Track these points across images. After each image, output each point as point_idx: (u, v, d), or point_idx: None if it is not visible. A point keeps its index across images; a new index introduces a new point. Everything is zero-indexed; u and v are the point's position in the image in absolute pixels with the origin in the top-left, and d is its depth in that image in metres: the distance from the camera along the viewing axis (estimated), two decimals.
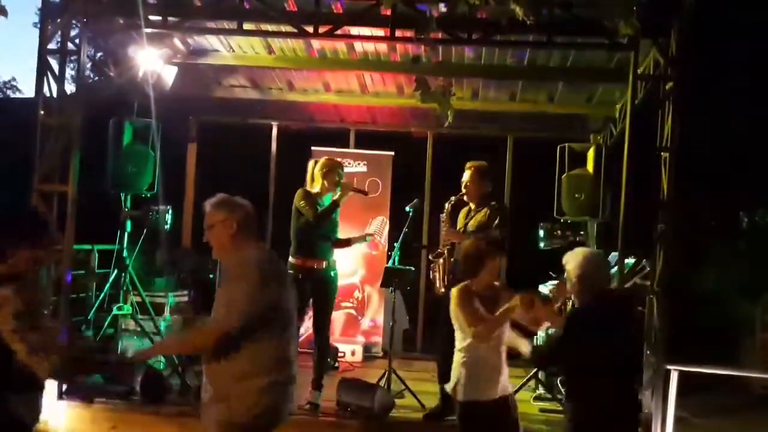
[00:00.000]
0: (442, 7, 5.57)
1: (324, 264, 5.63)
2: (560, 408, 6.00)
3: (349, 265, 8.06)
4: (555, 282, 6.68)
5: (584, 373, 3.60)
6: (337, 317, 8.08)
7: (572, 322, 3.67)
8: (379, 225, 8.36)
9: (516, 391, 6.05)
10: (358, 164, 8.42)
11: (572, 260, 3.68)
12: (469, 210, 5.56)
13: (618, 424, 3.60)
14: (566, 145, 6.67)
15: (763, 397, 6.01)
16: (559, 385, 6.28)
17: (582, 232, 6.64)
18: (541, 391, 6.43)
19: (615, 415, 3.58)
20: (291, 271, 5.59)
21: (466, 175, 5.58)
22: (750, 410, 5.95)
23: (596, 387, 3.57)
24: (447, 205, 5.58)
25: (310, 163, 5.78)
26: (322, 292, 5.63)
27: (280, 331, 3.23)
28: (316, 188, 5.68)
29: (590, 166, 6.45)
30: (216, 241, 3.32)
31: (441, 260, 5.52)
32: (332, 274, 5.70)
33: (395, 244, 6.30)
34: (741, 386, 6.21)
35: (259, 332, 3.15)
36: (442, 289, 5.47)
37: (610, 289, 3.70)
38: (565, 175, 6.48)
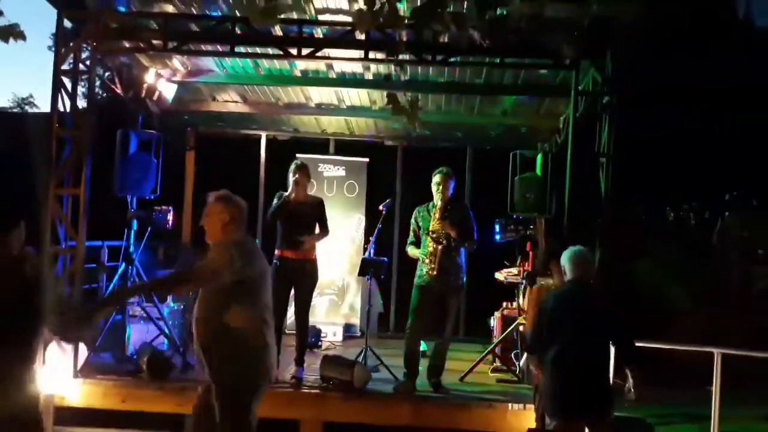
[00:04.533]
0: (410, 33, 5.61)
1: (297, 255, 5.55)
2: (516, 378, 6.07)
3: (329, 257, 8.09)
4: (509, 269, 6.77)
5: (556, 340, 3.75)
6: (320, 302, 8.09)
7: (544, 301, 3.94)
8: (356, 223, 8.38)
9: (475, 365, 6.19)
10: (338, 169, 8.43)
11: (564, 255, 3.95)
12: (444, 208, 5.58)
13: (590, 394, 3.70)
14: (518, 152, 6.73)
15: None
16: (513, 358, 6.36)
17: (532, 227, 6.73)
18: (497, 363, 6.49)
19: (587, 383, 3.68)
20: (275, 261, 5.58)
21: (437, 179, 5.62)
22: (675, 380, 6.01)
23: (567, 353, 3.70)
24: (440, 202, 5.58)
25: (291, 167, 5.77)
26: (298, 280, 5.60)
27: (253, 300, 3.32)
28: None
29: (539, 170, 6.51)
30: (209, 227, 3.42)
31: (436, 246, 5.52)
32: (307, 265, 5.60)
33: (371, 238, 6.32)
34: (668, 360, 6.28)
35: (234, 299, 3.25)
36: (434, 272, 5.49)
37: (589, 278, 3.91)
38: (517, 177, 6.54)
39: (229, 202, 3.41)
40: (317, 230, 5.72)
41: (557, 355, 3.74)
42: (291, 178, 5.62)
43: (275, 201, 5.65)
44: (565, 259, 3.93)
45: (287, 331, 5.97)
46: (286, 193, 5.60)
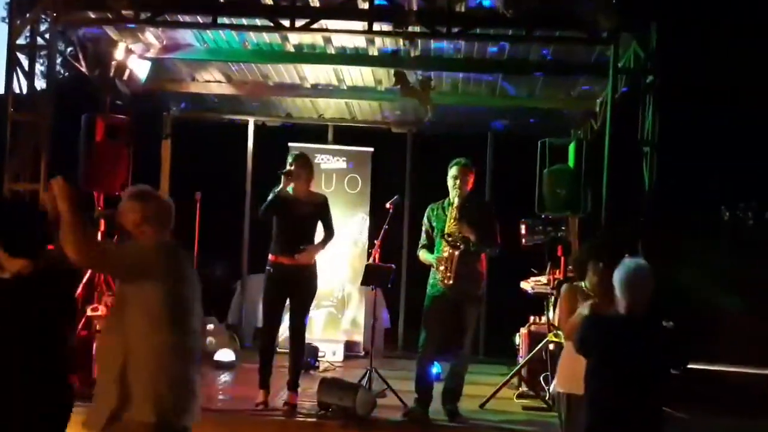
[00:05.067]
0: (421, 1, 5.58)
1: (294, 261, 5.52)
2: (545, 406, 6.02)
3: (328, 263, 8.06)
4: (537, 278, 6.73)
5: (594, 377, 3.58)
6: (317, 316, 8.05)
7: (586, 324, 3.69)
8: (360, 223, 8.36)
9: (498, 390, 6.16)
10: (337, 160, 8.40)
11: (618, 271, 3.60)
12: (462, 206, 5.56)
13: None
14: (547, 140, 6.68)
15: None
16: (542, 381, 6.31)
17: (563, 228, 6.66)
18: (523, 388, 6.45)
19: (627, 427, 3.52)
20: (268, 268, 5.58)
21: (454, 171, 5.61)
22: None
23: (604, 394, 3.54)
24: (457, 199, 5.56)
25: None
26: (294, 290, 5.59)
27: (183, 326, 3.17)
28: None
29: (571, 161, 6.47)
30: (123, 227, 3.30)
31: (452, 252, 5.52)
32: (306, 273, 5.60)
33: (376, 241, 6.29)
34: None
35: (160, 321, 3.11)
36: (450, 281, 5.49)
37: (645, 309, 3.57)
38: (546, 170, 6.49)
39: (144, 199, 3.28)
40: (318, 235, 5.71)
41: (595, 394, 3.62)
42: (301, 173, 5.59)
43: (270, 196, 5.62)
44: (618, 278, 3.55)
45: (278, 350, 5.95)
46: (278, 188, 5.57)
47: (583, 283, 4.14)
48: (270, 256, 5.64)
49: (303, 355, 5.89)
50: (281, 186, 5.56)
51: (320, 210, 5.69)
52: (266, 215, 5.62)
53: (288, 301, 5.68)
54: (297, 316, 5.68)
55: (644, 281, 3.53)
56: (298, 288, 5.59)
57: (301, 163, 5.61)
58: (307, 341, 6.04)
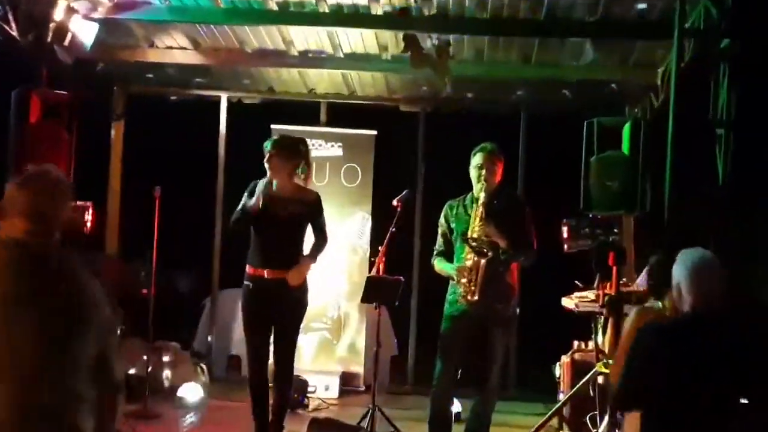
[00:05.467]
0: None
1: (278, 274, 5.55)
2: None
3: (319, 274, 8.05)
4: (583, 293, 6.70)
5: (655, 404, 3.58)
6: (307, 342, 8.07)
7: (640, 337, 3.69)
8: (359, 224, 8.34)
9: None
10: (332, 146, 8.42)
11: (678, 263, 3.69)
12: (490, 204, 5.56)
13: None
14: (595, 120, 6.64)
15: None
16: (589, 423, 6.29)
17: (616, 230, 6.62)
18: (566, 431, 6.47)
19: None
20: (246, 283, 5.62)
21: (479, 159, 5.61)
22: None
23: (671, 424, 3.55)
24: (482, 194, 5.56)
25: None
26: (279, 309, 5.60)
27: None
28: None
29: (626, 146, 6.42)
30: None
31: (477, 260, 5.51)
32: (293, 289, 5.60)
33: (380, 247, 6.27)
34: None
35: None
36: (475, 297, 5.49)
37: (718, 303, 3.62)
38: (594, 158, 6.45)
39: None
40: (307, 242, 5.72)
41: (656, 423, 3.63)
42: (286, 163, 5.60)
43: (245, 196, 5.61)
44: (679, 271, 3.67)
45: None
46: (262, 182, 5.56)
47: (658, 303, 4.10)
48: (248, 268, 5.64)
49: (290, 391, 5.89)
50: (265, 181, 5.56)
51: (311, 210, 5.68)
52: (237, 226, 5.63)
53: (273, 326, 5.68)
54: (282, 341, 5.68)
55: (712, 271, 3.59)
56: (283, 308, 5.59)
57: (283, 149, 5.59)
58: (294, 373, 6.03)
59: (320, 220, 5.73)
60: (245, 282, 5.62)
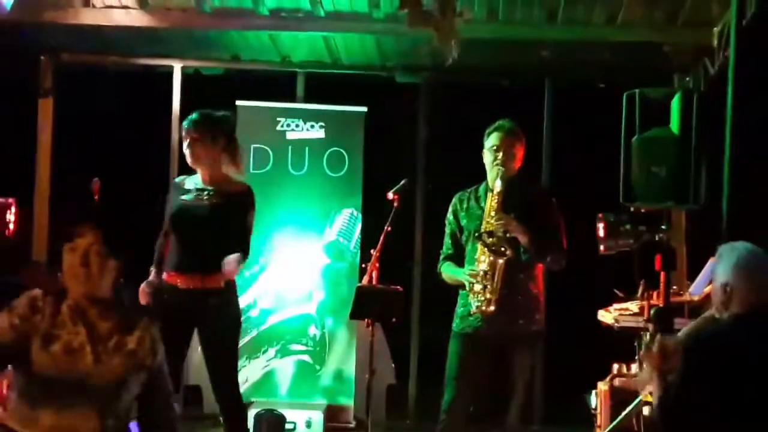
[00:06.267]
0: None
1: (197, 282, 5.60)
2: None
3: (298, 284, 8.03)
4: (624, 305, 6.72)
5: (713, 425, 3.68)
6: (283, 368, 8.11)
7: (691, 348, 3.82)
8: (347, 223, 8.35)
9: None
10: (312, 127, 8.41)
11: (722, 260, 3.85)
12: (507, 194, 5.59)
13: None
14: (636, 91, 6.66)
15: None
16: None
17: (664, 227, 6.65)
18: None
19: None
20: (154, 292, 5.65)
21: (495, 140, 5.64)
22: None
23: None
24: (498, 183, 5.57)
25: None
26: (203, 325, 5.67)
27: None
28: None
29: (675, 124, 6.45)
30: None
31: (494, 261, 5.52)
32: (213, 298, 5.62)
33: (372, 251, 6.27)
34: None
35: None
36: (492, 307, 5.51)
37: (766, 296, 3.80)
38: (635, 138, 6.47)
39: None
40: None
41: None
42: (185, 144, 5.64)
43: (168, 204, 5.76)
44: (724, 269, 3.85)
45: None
46: (179, 180, 5.73)
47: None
48: (153, 274, 5.71)
49: (243, 424, 5.93)
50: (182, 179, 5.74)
51: (237, 205, 5.66)
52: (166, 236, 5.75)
53: (200, 347, 5.81)
54: (219, 368, 5.72)
55: (765, 267, 3.78)
56: (208, 323, 5.64)
57: (200, 130, 5.61)
58: (268, 406, 6.04)
59: (245, 221, 5.68)
60: (152, 290, 5.65)
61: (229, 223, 5.63)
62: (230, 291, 5.69)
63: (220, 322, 5.69)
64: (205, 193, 5.63)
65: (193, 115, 5.68)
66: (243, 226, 5.67)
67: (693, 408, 3.76)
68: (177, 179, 5.74)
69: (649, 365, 4.31)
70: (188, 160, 5.62)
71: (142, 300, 5.53)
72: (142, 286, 5.56)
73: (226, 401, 5.75)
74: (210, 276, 5.54)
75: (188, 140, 5.58)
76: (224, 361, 5.75)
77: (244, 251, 5.60)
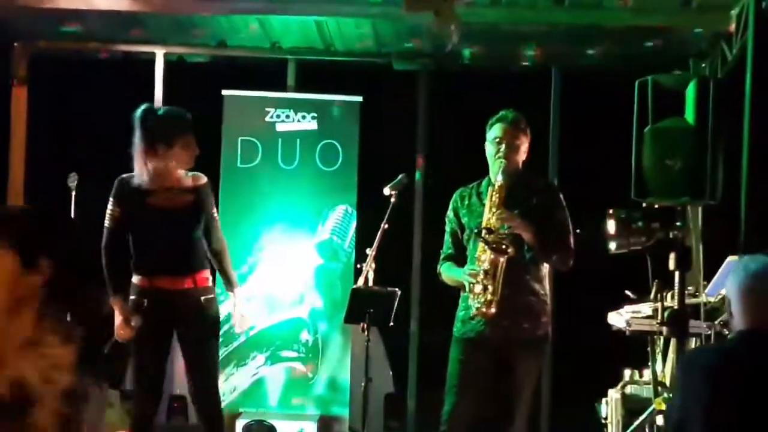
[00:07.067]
0: None
1: (179, 283, 5.73)
2: None
3: (289, 286, 7.99)
4: (636, 307, 6.69)
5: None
6: (273, 376, 8.10)
7: (684, 367, 3.86)
8: (341, 221, 8.32)
9: None
10: (303, 117, 8.38)
11: (730, 275, 3.82)
12: (511, 188, 5.58)
13: None
14: (649, 78, 6.63)
15: None
16: None
17: (678, 223, 6.62)
18: None
19: None
20: (133, 296, 5.76)
21: (497, 131, 5.61)
22: None
23: None
24: (501, 177, 5.56)
25: None
26: (183, 329, 5.80)
27: None
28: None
29: (690, 113, 6.41)
30: None
31: (495, 259, 5.49)
32: (195, 298, 5.78)
33: (368, 250, 6.25)
34: None
35: None
36: (493, 309, 5.49)
37: None
38: (648, 128, 6.44)
39: None
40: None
41: None
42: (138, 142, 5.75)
43: (110, 206, 5.80)
44: (730, 284, 3.82)
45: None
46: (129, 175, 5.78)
47: None
48: (136, 279, 5.78)
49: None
50: (138, 170, 5.75)
51: (198, 200, 5.85)
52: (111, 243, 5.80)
53: (183, 356, 5.91)
54: (197, 370, 5.83)
55: None
56: (189, 325, 5.78)
57: (162, 123, 5.77)
58: (258, 417, 6.05)
59: (210, 213, 5.92)
60: (133, 297, 5.73)
61: (197, 219, 5.85)
62: (212, 290, 5.92)
63: (204, 325, 5.84)
64: (163, 190, 5.74)
65: (155, 108, 6.00)
66: (210, 214, 5.93)
67: (691, 425, 3.77)
68: (123, 177, 5.80)
69: None
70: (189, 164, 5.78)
71: (126, 336, 5.64)
72: (133, 322, 5.63)
73: (210, 412, 5.86)
74: (195, 274, 5.75)
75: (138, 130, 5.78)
76: (210, 367, 5.87)
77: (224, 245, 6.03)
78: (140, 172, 5.68)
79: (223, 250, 5.99)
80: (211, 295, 5.88)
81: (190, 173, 5.89)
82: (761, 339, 3.73)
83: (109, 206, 5.74)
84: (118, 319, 5.63)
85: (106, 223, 5.74)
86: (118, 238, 5.72)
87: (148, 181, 5.67)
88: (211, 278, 5.92)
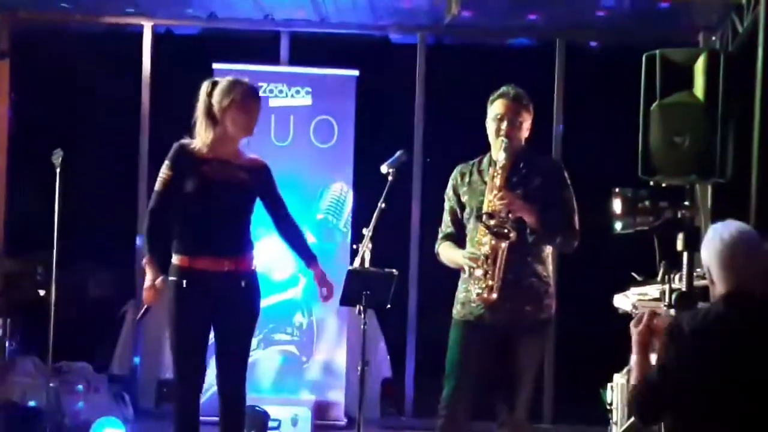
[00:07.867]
0: None
1: (221, 265, 5.66)
2: None
3: (282, 266, 8.02)
4: (643, 289, 6.73)
5: (688, 415, 3.77)
6: (266, 360, 8.14)
7: (671, 334, 3.90)
8: (337, 199, 8.35)
9: None
10: (297, 92, 8.41)
11: (705, 243, 3.97)
12: (513, 168, 5.60)
13: None
14: (657, 52, 6.65)
15: None
16: None
17: (687, 203, 6.66)
18: None
19: None
20: (173, 278, 5.66)
21: (499, 108, 5.62)
22: None
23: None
24: (503, 155, 5.56)
25: (204, 86, 5.76)
26: (223, 312, 5.70)
27: None
28: (203, 135, 5.67)
29: (699, 90, 6.44)
30: None
31: (496, 244, 5.51)
32: (241, 281, 5.72)
33: (365, 230, 6.28)
34: None
35: None
36: (494, 295, 5.51)
37: (759, 287, 3.87)
38: (655, 104, 6.44)
39: None
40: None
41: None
42: (200, 111, 5.66)
43: (164, 170, 5.69)
44: (707, 250, 3.95)
45: (202, 417, 5.99)
46: (189, 143, 5.67)
47: None
48: (176, 259, 5.70)
49: (242, 427, 5.93)
50: (197, 141, 5.66)
51: (259, 181, 5.83)
52: (159, 204, 5.70)
53: (213, 334, 5.77)
54: (229, 358, 5.76)
55: (750, 250, 3.87)
56: (228, 311, 5.69)
57: (221, 89, 5.66)
58: (250, 402, 6.05)
59: (275, 190, 5.96)
60: (172, 278, 5.63)
61: (252, 200, 5.86)
62: (255, 276, 5.87)
63: (245, 310, 5.80)
64: (222, 165, 5.68)
65: (226, 82, 5.75)
66: (276, 191, 6.00)
67: (672, 391, 3.86)
68: (187, 142, 5.69)
69: (635, 338, 4.40)
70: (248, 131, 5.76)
71: (150, 299, 5.59)
72: (157, 282, 5.56)
73: (233, 395, 5.78)
74: (240, 256, 5.74)
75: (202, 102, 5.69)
76: (242, 353, 5.84)
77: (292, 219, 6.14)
78: (198, 139, 5.65)
79: (298, 226, 6.09)
80: (254, 281, 5.83)
81: (252, 155, 5.88)
82: (746, 299, 3.83)
83: (163, 169, 5.66)
84: (147, 282, 5.59)
85: (157, 186, 5.67)
86: (165, 204, 5.65)
87: (205, 149, 5.62)
88: (255, 264, 5.87)
